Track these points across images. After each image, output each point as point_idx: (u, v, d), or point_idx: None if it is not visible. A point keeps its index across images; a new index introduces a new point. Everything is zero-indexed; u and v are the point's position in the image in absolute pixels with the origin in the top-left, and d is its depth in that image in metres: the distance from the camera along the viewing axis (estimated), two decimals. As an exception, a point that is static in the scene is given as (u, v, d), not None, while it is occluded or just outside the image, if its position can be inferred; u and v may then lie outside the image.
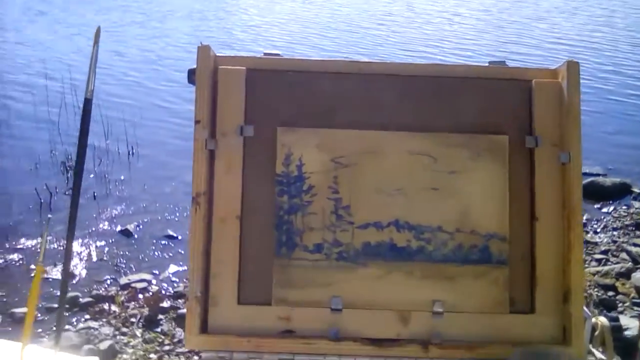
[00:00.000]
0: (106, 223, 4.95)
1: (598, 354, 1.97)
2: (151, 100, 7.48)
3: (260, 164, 1.92)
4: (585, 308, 1.89)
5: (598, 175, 6.05)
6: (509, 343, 1.85)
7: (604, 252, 4.90)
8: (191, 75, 1.90)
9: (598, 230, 5.24)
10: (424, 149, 1.94)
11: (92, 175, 5.70)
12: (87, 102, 1.87)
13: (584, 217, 5.37)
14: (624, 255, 4.86)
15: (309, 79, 1.98)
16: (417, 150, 1.94)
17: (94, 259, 4.45)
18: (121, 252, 4.54)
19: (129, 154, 6.13)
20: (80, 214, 4.84)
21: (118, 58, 9.76)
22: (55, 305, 3.80)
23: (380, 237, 1.91)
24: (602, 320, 1.93)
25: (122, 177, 5.68)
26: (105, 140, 6.29)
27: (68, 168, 5.54)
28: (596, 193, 5.73)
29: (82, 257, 4.46)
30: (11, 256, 4.44)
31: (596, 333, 1.92)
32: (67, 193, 5.18)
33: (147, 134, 6.42)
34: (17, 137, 6.53)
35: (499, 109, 1.98)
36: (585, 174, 6.07)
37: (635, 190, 5.87)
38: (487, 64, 2.07)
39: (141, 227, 4.89)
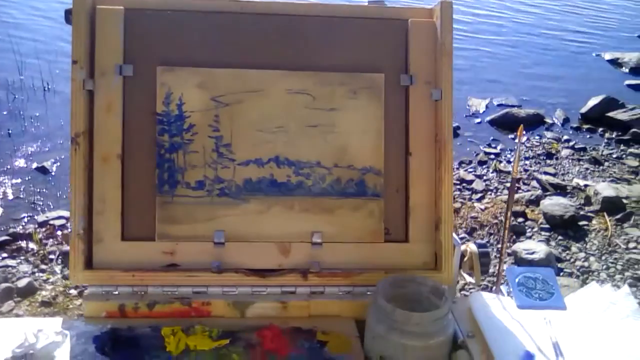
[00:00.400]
0: (22, 160, 4.88)
1: (468, 277, 2.11)
2: (64, 34, 7.21)
3: (140, 104, 1.95)
4: (455, 236, 2.01)
5: (513, 106, 6.21)
6: (383, 270, 1.96)
7: (516, 181, 5.08)
8: (68, 15, 1.89)
9: (511, 160, 5.41)
10: (303, 87, 1.98)
11: (5, 112, 5.56)
12: None
13: (498, 148, 5.55)
14: (534, 183, 5.06)
15: (188, 17, 1.98)
16: (297, 89, 1.98)
17: (10, 197, 4.41)
18: (38, 190, 4.50)
19: (44, 89, 5.97)
20: (-6, 152, 4.80)
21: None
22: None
23: (261, 173, 1.97)
24: (471, 246, 2.05)
25: (38, 114, 5.56)
26: (19, 75, 6.12)
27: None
28: (510, 124, 5.89)
29: (-4, 196, 4.41)
30: None
31: (465, 259, 2.05)
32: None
33: (62, 70, 6.23)
34: None
35: (377, 48, 2.03)
36: (501, 106, 6.25)
37: (548, 120, 6.06)
38: (366, 4, 2.11)
39: (58, 164, 4.83)
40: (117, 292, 1.91)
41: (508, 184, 5.02)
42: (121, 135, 1.93)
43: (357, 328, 1.89)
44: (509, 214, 2.13)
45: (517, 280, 2.00)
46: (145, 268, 1.91)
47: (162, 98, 1.94)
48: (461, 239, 4.19)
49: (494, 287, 2.20)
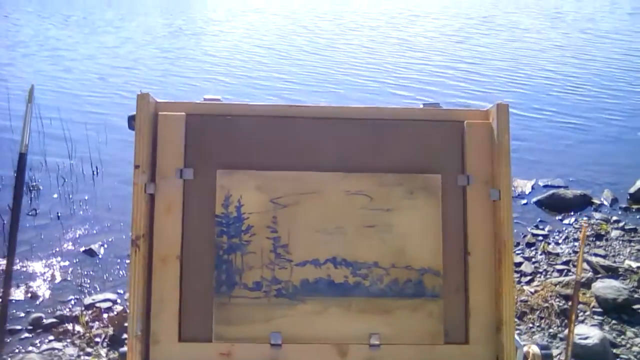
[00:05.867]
0: (70, 243, 4.97)
1: (530, 382, 2.04)
2: (115, 119, 7.45)
3: (200, 206, 1.97)
4: (517, 337, 1.96)
5: (559, 187, 6.16)
6: None
7: (565, 263, 5.02)
8: (131, 121, 1.95)
9: (560, 241, 5.35)
10: (361, 189, 1.99)
11: (55, 196, 5.72)
12: (22, 157, 1.89)
13: (546, 229, 5.48)
14: (584, 265, 4.96)
15: (247, 122, 2.03)
16: (354, 190, 1.99)
17: (58, 279, 4.48)
18: (85, 272, 4.57)
19: (93, 173, 6.16)
20: (43, 235, 4.95)
21: (82, 74, 9.71)
22: (18, 327, 3.83)
23: (318, 274, 1.96)
24: (534, 348, 1.99)
25: (87, 197, 5.71)
26: (70, 160, 6.32)
27: (31, 189, 5.55)
28: (558, 205, 5.86)
29: (45, 278, 4.48)
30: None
31: (528, 362, 1.99)
32: (30, 214, 5.20)
33: (111, 154, 6.45)
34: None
35: (433, 149, 2.05)
36: (547, 187, 6.21)
37: (596, 201, 5.99)
38: (421, 106, 2.14)
39: (105, 246, 4.92)
40: None
41: (558, 267, 4.94)
42: (180, 237, 1.95)
43: None
44: (572, 317, 2.08)
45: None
46: None
47: (222, 200, 1.96)
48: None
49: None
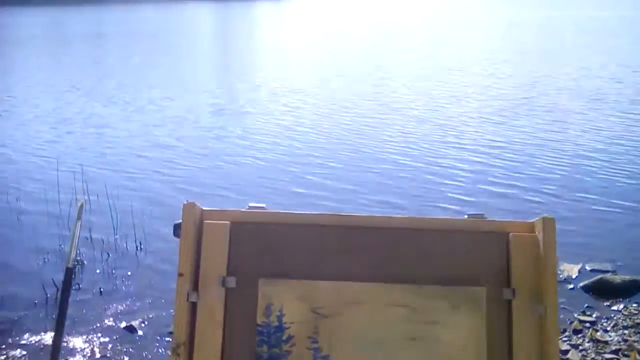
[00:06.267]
0: (111, 319, 5.00)
1: None
2: (159, 196, 7.60)
3: (241, 314, 1.96)
4: None
5: (607, 272, 6.00)
6: None
7: (615, 352, 4.86)
8: (177, 229, 1.97)
9: (608, 328, 5.18)
10: (403, 301, 1.97)
11: (98, 271, 5.80)
12: (69, 271, 1.92)
13: (594, 316, 5.33)
14: (636, 355, 4.79)
15: (291, 231, 2.03)
16: (396, 302, 1.97)
17: (97, 355, 4.50)
18: (125, 349, 4.58)
19: (137, 249, 6.22)
20: (85, 309, 5.00)
21: (123, 155, 9.90)
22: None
23: None
24: None
25: (129, 273, 5.76)
26: (114, 235, 6.41)
27: (75, 263, 5.63)
28: (605, 290, 5.68)
29: (85, 354, 4.51)
30: (14, 352, 4.49)
31: None
32: (72, 288, 5.25)
33: (156, 229, 6.50)
34: (24, 232, 6.69)
35: (477, 261, 2.02)
36: (594, 271, 6.05)
37: (646, 286, 5.82)
38: (465, 217, 2.12)
39: (146, 323, 4.92)
40: None
41: (607, 355, 4.78)
42: (221, 346, 1.94)
43: None
44: None
45: None
46: None
47: (263, 309, 1.96)
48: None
49: None
